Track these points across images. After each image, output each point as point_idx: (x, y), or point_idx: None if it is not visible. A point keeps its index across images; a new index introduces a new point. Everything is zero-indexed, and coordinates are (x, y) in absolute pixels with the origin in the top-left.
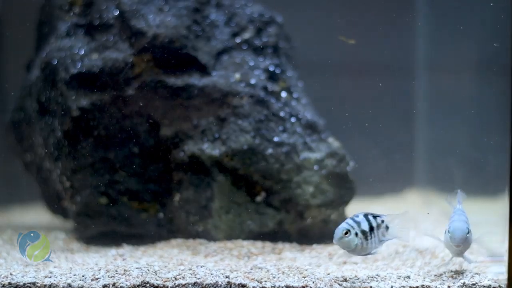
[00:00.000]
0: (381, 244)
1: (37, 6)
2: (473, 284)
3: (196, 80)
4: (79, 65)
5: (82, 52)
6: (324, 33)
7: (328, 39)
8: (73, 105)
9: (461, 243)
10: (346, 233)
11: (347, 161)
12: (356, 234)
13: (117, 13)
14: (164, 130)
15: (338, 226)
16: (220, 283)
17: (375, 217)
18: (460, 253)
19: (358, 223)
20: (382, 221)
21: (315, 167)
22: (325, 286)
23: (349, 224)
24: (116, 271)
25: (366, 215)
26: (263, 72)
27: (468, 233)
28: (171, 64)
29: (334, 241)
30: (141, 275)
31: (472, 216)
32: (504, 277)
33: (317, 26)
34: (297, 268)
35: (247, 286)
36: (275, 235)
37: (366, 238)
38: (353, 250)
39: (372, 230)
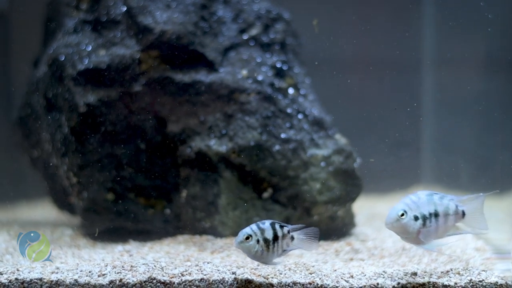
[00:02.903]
0: (284, 253)
1: (44, 3)
2: (480, 281)
3: (203, 76)
4: (86, 61)
5: (89, 48)
6: (329, 29)
7: (333, 35)
8: (80, 101)
9: (389, 224)
10: (247, 238)
11: (354, 158)
12: (258, 241)
13: (124, 9)
14: (171, 126)
15: (241, 230)
16: (226, 279)
17: (282, 226)
18: (406, 240)
19: (262, 230)
20: (288, 232)
21: (322, 164)
22: (331, 282)
23: (252, 230)
24: (122, 267)
25: (273, 224)
26: (270, 69)
27: (402, 215)
28: (178, 60)
29: (234, 244)
30: (148, 271)
31: None
32: (510, 274)
33: (323, 22)
34: (304, 264)
35: (254, 282)
36: None
37: (267, 247)
38: (252, 255)
39: (276, 240)
